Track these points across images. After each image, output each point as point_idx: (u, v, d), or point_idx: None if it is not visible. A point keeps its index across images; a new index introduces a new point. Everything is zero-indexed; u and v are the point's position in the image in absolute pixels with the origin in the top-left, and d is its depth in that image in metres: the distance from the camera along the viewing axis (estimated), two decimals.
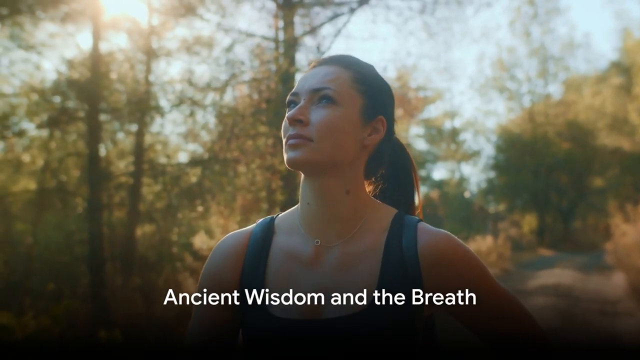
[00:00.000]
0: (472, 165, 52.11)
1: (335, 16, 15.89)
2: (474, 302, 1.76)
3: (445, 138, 49.39)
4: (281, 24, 15.32)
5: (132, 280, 12.77)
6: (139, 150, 14.75)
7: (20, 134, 14.84)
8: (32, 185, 15.26)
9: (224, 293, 1.80)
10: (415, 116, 18.90)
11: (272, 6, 15.81)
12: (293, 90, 1.79)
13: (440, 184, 48.54)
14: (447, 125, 49.84)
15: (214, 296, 1.81)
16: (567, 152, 40.60)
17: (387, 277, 1.72)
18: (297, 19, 15.65)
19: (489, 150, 49.42)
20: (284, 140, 1.75)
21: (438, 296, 1.76)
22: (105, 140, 15.62)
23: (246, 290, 1.77)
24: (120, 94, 14.40)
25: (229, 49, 15.23)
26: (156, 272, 13.37)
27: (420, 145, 51.75)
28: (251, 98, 14.71)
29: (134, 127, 15.40)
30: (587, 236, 41.47)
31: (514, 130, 43.49)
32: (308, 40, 15.84)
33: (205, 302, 1.82)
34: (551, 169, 41.82)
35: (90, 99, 13.21)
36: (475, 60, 77.09)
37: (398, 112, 17.11)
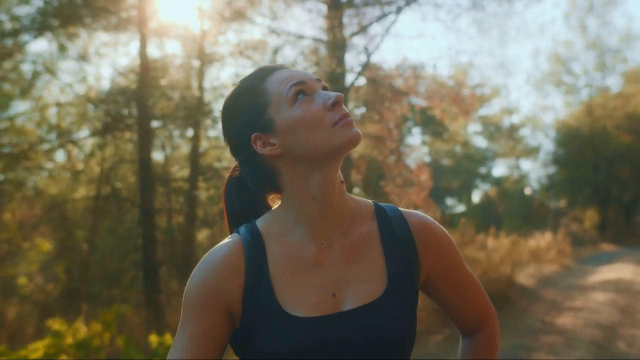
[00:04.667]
0: (532, 161, 51.73)
1: (383, 15, 15.85)
2: (453, 278, 1.94)
3: (504, 134, 49.03)
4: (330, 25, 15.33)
5: None
6: (195, 155, 14.86)
7: (76, 142, 15.04)
8: (90, 192, 15.44)
9: (225, 307, 1.72)
10: (470, 114, 18.72)
11: (322, 8, 15.84)
12: (295, 80, 1.74)
13: (499, 181, 48.23)
14: (505, 121, 49.54)
15: (213, 312, 1.71)
16: (628, 145, 39.81)
17: (391, 261, 1.79)
18: (345, 20, 15.66)
19: (548, 146, 49.02)
20: (330, 122, 1.70)
21: (428, 273, 1.89)
22: (160, 146, 15.78)
23: (255, 300, 1.71)
24: (173, 100, 14.51)
25: (277, 50, 15.29)
26: None
27: (478, 142, 51.54)
28: None
29: (190, 133, 15.55)
30: None
31: (573, 124, 42.75)
32: (357, 41, 15.85)
33: (200, 320, 1.71)
34: (611, 162, 41.09)
35: (140, 106, 13.35)
36: (531, 55, 76.47)
37: (452, 109, 17.04)
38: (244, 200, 1.96)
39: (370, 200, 1.93)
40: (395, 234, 1.83)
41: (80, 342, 6.64)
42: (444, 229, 1.93)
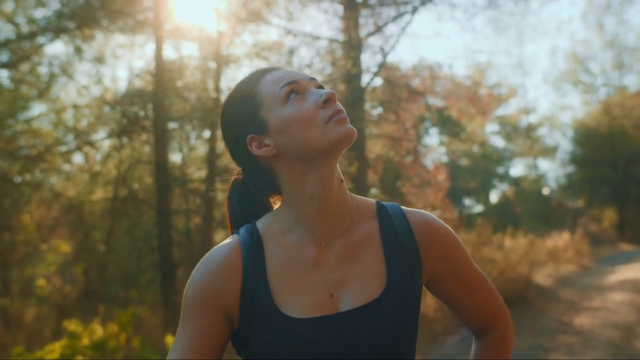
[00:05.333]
0: (550, 160, 51.62)
1: (398, 15, 15.85)
2: (459, 277, 1.90)
3: (521, 134, 48.91)
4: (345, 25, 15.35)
5: None
6: (212, 157, 14.88)
7: (93, 144, 15.12)
8: (107, 194, 15.49)
9: (223, 308, 1.72)
10: (487, 114, 18.69)
11: (338, 8, 15.86)
12: (287, 80, 1.74)
13: (517, 181, 48.11)
14: (523, 121, 49.44)
15: (211, 313, 1.72)
16: None
17: (391, 261, 1.77)
18: (361, 20, 15.67)
19: (565, 145, 48.87)
20: (323, 119, 1.69)
21: (432, 273, 1.86)
22: (178, 148, 15.83)
23: (253, 301, 1.70)
24: (190, 102, 14.55)
25: (292, 51, 15.31)
26: None
27: (496, 142, 51.45)
28: None
29: (207, 134, 15.58)
30: None
31: (591, 123, 42.48)
32: (373, 41, 15.85)
33: (198, 321, 1.71)
34: (630, 161, 40.70)
35: (156, 108, 13.40)
36: (548, 55, 76.30)
37: (469, 109, 17.02)
38: (245, 203, 1.95)
39: (373, 200, 1.91)
40: (396, 234, 1.82)
41: (96, 343, 6.67)
42: (449, 228, 1.90)
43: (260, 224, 1.84)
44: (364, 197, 1.90)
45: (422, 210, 1.90)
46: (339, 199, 1.78)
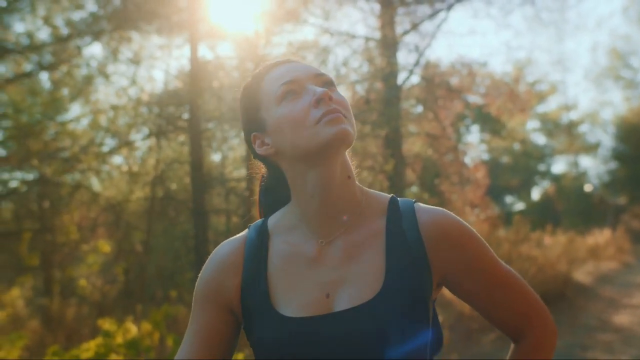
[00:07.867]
0: (592, 157, 51.15)
1: (434, 13, 15.85)
2: (477, 277, 1.76)
3: (563, 131, 48.50)
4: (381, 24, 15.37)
5: None
6: (250, 156, 14.94)
7: (131, 145, 15.21)
8: (146, 194, 15.57)
9: (227, 304, 1.75)
10: (527, 111, 18.60)
11: (375, 7, 15.88)
12: (285, 79, 1.71)
13: (558, 178, 47.72)
14: (564, 118, 49.04)
15: (215, 308, 1.76)
16: None
17: (393, 261, 1.69)
18: (397, 19, 15.67)
19: (607, 142, 48.42)
20: (313, 119, 1.65)
21: (444, 273, 1.75)
22: (217, 147, 15.89)
23: (251, 297, 1.72)
24: (227, 102, 14.58)
25: (326, 50, 15.32)
26: None
27: (537, 139, 51.06)
28: (354, 99, 14.76)
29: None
30: None
31: (633, 119, 42.03)
32: (409, 39, 15.85)
33: (203, 316, 1.76)
34: None
35: (192, 108, 13.46)
36: (588, 51, 75.58)
37: (508, 107, 16.96)
38: (270, 197, 1.96)
39: (388, 195, 1.85)
40: (403, 232, 1.73)
41: (130, 342, 6.72)
42: (465, 225, 1.77)
43: (272, 219, 1.85)
44: (379, 193, 1.86)
45: (437, 208, 1.81)
46: (343, 197, 1.75)
